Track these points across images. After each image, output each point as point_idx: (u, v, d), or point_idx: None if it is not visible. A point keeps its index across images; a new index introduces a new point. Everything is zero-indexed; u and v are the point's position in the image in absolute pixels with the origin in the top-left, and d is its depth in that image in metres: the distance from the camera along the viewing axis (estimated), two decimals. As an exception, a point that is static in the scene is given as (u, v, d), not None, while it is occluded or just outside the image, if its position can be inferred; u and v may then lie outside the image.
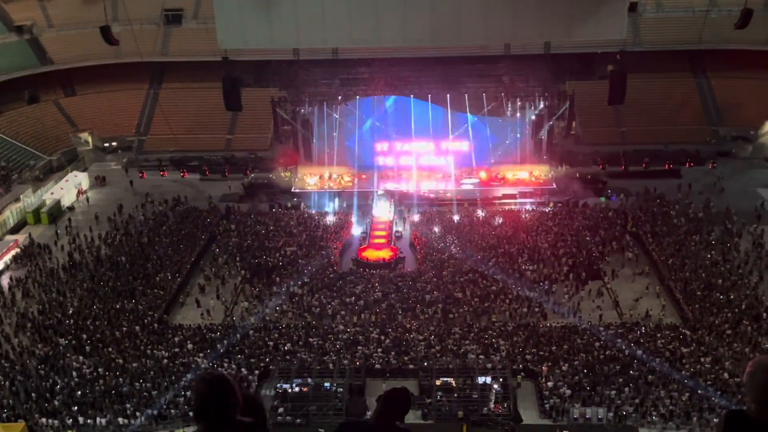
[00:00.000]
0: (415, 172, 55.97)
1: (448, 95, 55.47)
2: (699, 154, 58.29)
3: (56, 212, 51.97)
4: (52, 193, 53.84)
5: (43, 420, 30.47)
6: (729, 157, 58.85)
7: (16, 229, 50.06)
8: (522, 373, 33.81)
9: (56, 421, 30.46)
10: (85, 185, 56.72)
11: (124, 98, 65.73)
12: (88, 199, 55.24)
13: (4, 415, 30.68)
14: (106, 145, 63.96)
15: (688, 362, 33.47)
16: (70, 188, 55.11)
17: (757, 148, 59.71)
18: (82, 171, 59.03)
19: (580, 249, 45.02)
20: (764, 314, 36.91)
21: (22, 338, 36.93)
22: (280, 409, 31.26)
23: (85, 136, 62.63)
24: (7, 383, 32.84)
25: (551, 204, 51.71)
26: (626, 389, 31.76)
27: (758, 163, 57.91)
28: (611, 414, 30.45)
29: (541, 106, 54.95)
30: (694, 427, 29.44)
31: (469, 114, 55.88)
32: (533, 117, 55.12)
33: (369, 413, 30.43)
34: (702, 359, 33.68)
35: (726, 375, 32.16)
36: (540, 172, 55.99)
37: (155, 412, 31.02)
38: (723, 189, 52.47)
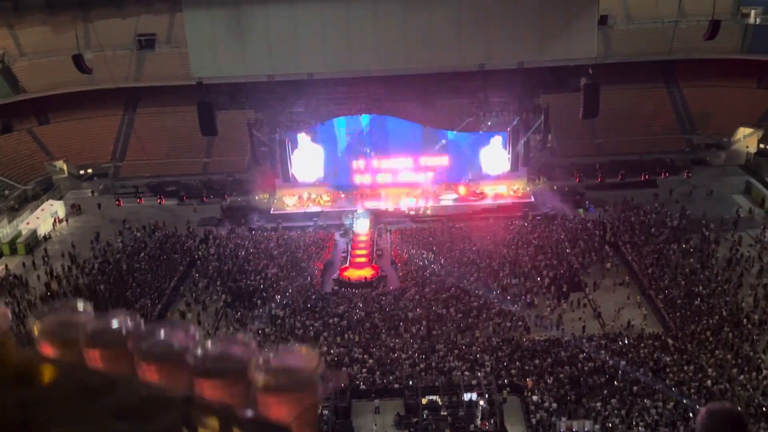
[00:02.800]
0: (393, 189, 55.97)
1: (423, 111, 55.58)
2: (674, 163, 59.00)
3: (33, 242, 51.33)
4: (27, 223, 53.17)
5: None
6: (703, 165, 59.60)
7: (-9, 260, 49.37)
8: (507, 388, 33.77)
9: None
10: (61, 214, 56.11)
11: (99, 125, 65.33)
12: (67, 221, 54.65)
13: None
14: (82, 172, 63.35)
15: (672, 371, 33.64)
16: (46, 217, 54.47)
17: (730, 155, 60.49)
18: (58, 199, 58.43)
19: (560, 261, 45.23)
20: (744, 320, 37.27)
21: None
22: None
23: (60, 164, 62.02)
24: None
25: (530, 217, 51.97)
26: (612, 400, 31.84)
27: (732, 170, 58.64)
28: (598, 426, 30.47)
29: (516, 120, 55.27)
30: (681, 436, 29.55)
31: (445, 130, 56.07)
32: (509, 131, 55.39)
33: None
34: (685, 368, 33.87)
35: (709, 383, 32.37)
36: (518, 185, 56.27)
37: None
38: (711, 192, 52.89)
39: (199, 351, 1.23)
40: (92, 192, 60.11)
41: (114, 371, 1.22)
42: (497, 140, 56.24)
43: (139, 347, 1.22)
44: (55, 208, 56.25)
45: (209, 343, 1.24)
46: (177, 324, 1.28)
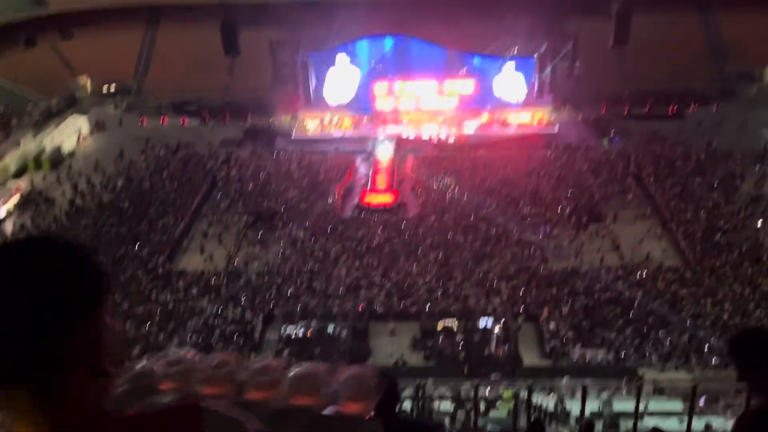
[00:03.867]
0: (415, 115, 55.42)
1: (448, 34, 54.50)
2: (703, 94, 57.70)
3: (57, 158, 51.80)
4: (52, 139, 53.58)
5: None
6: (733, 96, 58.21)
7: (17, 175, 49.94)
8: (523, 316, 34.17)
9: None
10: (85, 130, 56.39)
11: (122, 42, 64.74)
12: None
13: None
14: (105, 89, 63.29)
15: (688, 304, 33.80)
16: (70, 133, 54.79)
17: (762, 88, 58.97)
18: (82, 116, 58.59)
19: (581, 192, 44.99)
20: (765, 256, 37.12)
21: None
22: (285, 353, 31.73)
23: (84, 80, 61.92)
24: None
25: (553, 147, 51.45)
26: (626, 331, 32.15)
27: (763, 102, 57.22)
28: (611, 355, 30.87)
29: (544, 45, 54.14)
30: (693, 368, 29.84)
31: (471, 54, 55.04)
32: (536, 57, 54.33)
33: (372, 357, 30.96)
34: (702, 301, 34.00)
35: (726, 316, 32.51)
36: (542, 114, 55.49)
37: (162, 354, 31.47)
38: (746, 122, 51.80)
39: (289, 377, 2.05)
40: (115, 111, 60.17)
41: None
42: (510, 66, 55.14)
43: (249, 379, 2.01)
44: (79, 124, 56.50)
45: (294, 370, 2.07)
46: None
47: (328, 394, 1.87)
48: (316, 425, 1.76)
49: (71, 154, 53.15)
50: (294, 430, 1.72)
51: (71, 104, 60.47)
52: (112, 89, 63.18)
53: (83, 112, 59.71)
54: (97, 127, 57.44)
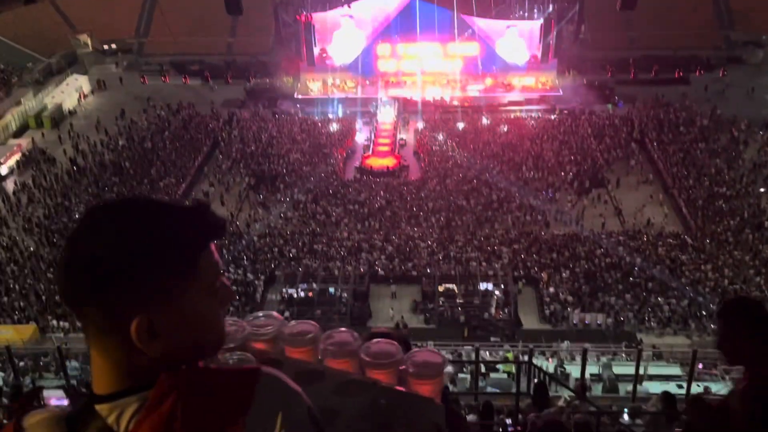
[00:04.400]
0: (419, 77, 54.95)
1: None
2: (709, 60, 57.22)
3: (58, 116, 51.58)
4: (53, 97, 53.32)
5: (54, 322, 31.17)
6: (739, 63, 57.72)
7: (18, 133, 49.81)
8: (523, 280, 34.30)
9: (67, 323, 31.15)
10: (86, 89, 56.07)
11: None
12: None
13: (16, 318, 31.39)
14: (105, 47, 62.79)
15: (688, 270, 33.89)
16: (71, 92, 54.50)
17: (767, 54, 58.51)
18: (83, 74, 58.22)
19: (584, 157, 44.85)
20: (766, 222, 37.13)
21: (29, 242, 37.35)
22: (286, 313, 31.88)
23: (84, 38, 61.41)
24: (17, 286, 33.44)
25: (557, 111, 51.16)
26: (626, 296, 32.28)
27: (768, 69, 56.81)
28: (610, 320, 31.04)
29: (550, 8, 53.50)
30: (692, 333, 30.02)
31: (476, 17, 54.38)
32: (541, 20, 53.71)
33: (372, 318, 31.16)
34: (702, 267, 34.09)
35: (726, 282, 32.62)
36: (547, 78, 55.05)
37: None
38: (753, 89, 51.27)
39: (365, 350, 2.04)
40: (116, 70, 59.73)
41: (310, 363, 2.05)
42: (513, 30, 54.55)
43: (327, 348, 2.06)
44: (80, 83, 56.17)
45: (371, 345, 2.06)
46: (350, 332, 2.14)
47: (400, 372, 2.01)
48: (384, 398, 1.89)
49: (72, 113, 52.93)
50: (362, 400, 1.87)
51: (72, 62, 60.07)
52: (113, 48, 62.66)
53: (84, 70, 59.34)
54: (98, 85, 57.10)
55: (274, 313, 2.19)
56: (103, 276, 1.23)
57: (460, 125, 49.88)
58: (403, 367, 2.00)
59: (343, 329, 2.14)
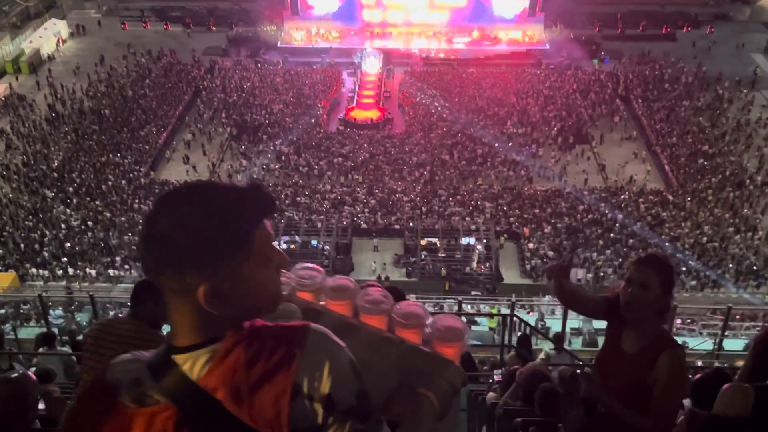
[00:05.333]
0: (405, 28, 54.20)
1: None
2: (696, 16, 56.94)
3: (36, 61, 50.48)
4: (30, 42, 52.08)
5: (34, 270, 30.97)
6: (726, 19, 57.50)
7: (-5, 79, 48.80)
8: (505, 235, 34.44)
9: (46, 272, 31.00)
10: (64, 34, 54.84)
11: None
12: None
13: (-5, 265, 31.19)
14: (85, -9, 61.27)
15: (669, 227, 34.16)
16: (49, 37, 53.23)
17: (755, 12, 58.21)
18: (61, 19, 56.87)
19: (569, 113, 44.74)
20: (747, 181, 37.41)
21: (7, 189, 36.87)
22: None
23: (63, -19, 59.89)
24: (-4, 234, 33.13)
25: (543, 66, 50.83)
26: (607, 251, 32.55)
27: (755, 26, 56.61)
28: (591, 275, 31.33)
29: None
30: (670, 289, 30.35)
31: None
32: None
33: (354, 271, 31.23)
34: (682, 224, 34.37)
35: (704, 239, 32.94)
36: (533, 32, 54.54)
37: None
38: (743, 45, 51.33)
39: (396, 310, 2.31)
40: (95, 15, 58.36)
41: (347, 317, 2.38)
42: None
43: (363, 305, 2.34)
44: (59, 27, 54.89)
45: (401, 305, 2.33)
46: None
47: (426, 334, 2.24)
48: (410, 355, 2.16)
49: (50, 58, 51.81)
50: (390, 355, 2.15)
51: (50, 6, 58.61)
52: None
53: (62, 15, 57.98)
54: (77, 30, 55.85)
55: (317, 266, 2.48)
56: (174, 251, 1.49)
57: (446, 77, 49.43)
58: (429, 329, 2.26)
59: (377, 288, 2.44)
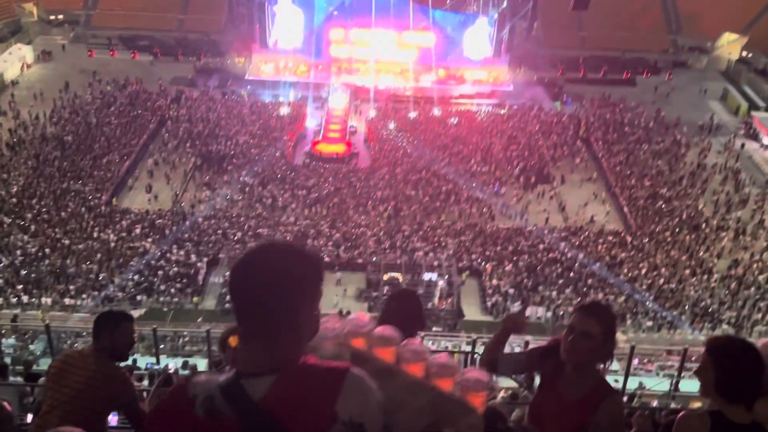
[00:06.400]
0: (373, 65, 54.75)
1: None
2: (656, 63, 58.65)
3: (-1, 85, 49.90)
4: (-6, 66, 51.50)
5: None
6: (685, 67, 59.32)
7: (-45, 102, 48.01)
8: (467, 271, 34.65)
9: (0, 299, 30.29)
10: (29, 59, 54.32)
11: (71, -32, 62.20)
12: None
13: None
14: (52, 17, 60.93)
15: (627, 267, 34.70)
16: (13, 61, 52.68)
17: (712, 60, 60.20)
18: (27, 44, 56.38)
19: (531, 153, 45.46)
20: (703, 224, 38.25)
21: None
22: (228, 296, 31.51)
23: (30, 6, 59.46)
24: (-50, 260, 32.33)
25: (507, 106, 51.71)
26: (566, 290, 32.90)
27: (712, 75, 58.47)
28: (550, 313, 31.60)
29: (504, 4, 53.92)
30: (627, 329, 30.77)
31: (431, 8, 54.37)
32: (496, 15, 54.09)
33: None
34: (640, 265, 34.94)
35: (661, 281, 33.51)
36: (498, 73, 55.51)
37: (102, 294, 31.01)
38: (705, 90, 52.71)
39: (432, 361, 2.77)
40: (62, 41, 58.00)
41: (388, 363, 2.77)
42: (483, 21, 54.86)
43: (405, 353, 2.78)
44: (24, 52, 54.38)
45: (437, 359, 2.79)
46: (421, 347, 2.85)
47: (456, 383, 2.68)
48: (440, 402, 2.59)
49: (14, 83, 51.22)
50: (423, 398, 2.60)
51: (15, 31, 58.11)
52: (60, 18, 60.85)
53: (28, 40, 57.51)
54: (43, 56, 55.38)
55: (367, 317, 2.97)
56: (262, 304, 2.00)
57: (412, 115, 50.02)
58: (459, 379, 2.69)
59: (417, 342, 2.88)
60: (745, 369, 3.17)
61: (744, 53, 59.25)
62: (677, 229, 37.79)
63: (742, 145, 46.88)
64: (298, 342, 2.07)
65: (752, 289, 33.29)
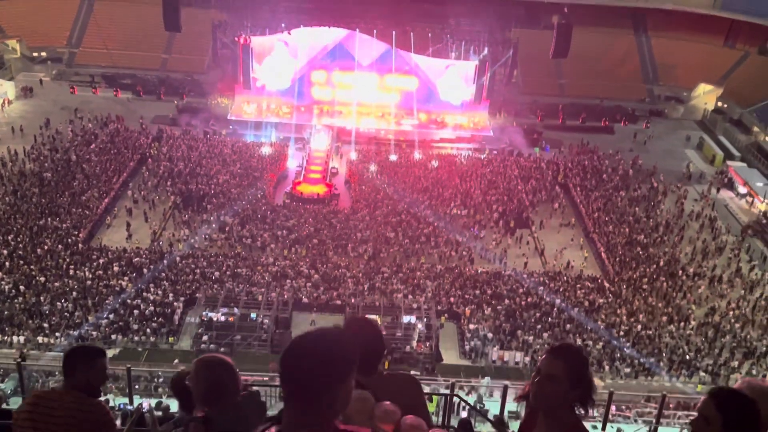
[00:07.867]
0: (355, 107, 55.23)
1: (393, 32, 54.46)
2: (634, 112, 59.79)
3: (-22, 121, 49.65)
4: (-26, 101, 51.33)
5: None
6: (661, 116, 60.54)
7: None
8: (446, 315, 34.59)
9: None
10: (10, 95, 54.22)
11: (57, 6, 62.51)
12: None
13: None
14: (35, 54, 61.04)
15: (605, 313, 34.82)
16: (-7, 97, 52.59)
17: (688, 110, 61.54)
18: (8, 80, 56.34)
19: (511, 197, 45.83)
20: (680, 272, 38.59)
21: (-63, 250, 35.57)
22: (204, 337, 31.26)
23: (13, 43, 59.63)
24: None
25: (486, 151, 52.26)
26: (544, 335, 32.90)
27: (688, 124, 59.67)
28: (528, 358, 31.54)
29: (485, 51, 54.84)
30: (605, 376, 30.79)
31: (413, 54, 55.16)
32: (476, 62, 54.96)
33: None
34: (618, 311, 35.08)
35: (639, 327, 33.64)
36: (479, 118, 56.23)
37: (76, 333, 30.55)
38: (688, 138, 53.76)
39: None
40: (43, 78, 58.00)
41: None
42: (453, 71, 55.72)
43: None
44: (5, 88, 54.30)
45: None
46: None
47: None
48: None
49: (-7, 119, 51.01)
50: None
51: (-2, 66, 58.13)
52: (43, 55, 60.97)
53: (10, 76, 57.49)
54: (24, 93, 55.32)
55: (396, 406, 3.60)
56: (314, 385, 2.41)
57: (393, 158, 50.35)
58: None
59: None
60: (753, 423, 3.16)
61: (719, 104, 60.56)
62: (654, 276, 38.08)
63: (718, 189, 47.86)
64: (333, 414, 2.49)
65: (728, 336, 33.53)
